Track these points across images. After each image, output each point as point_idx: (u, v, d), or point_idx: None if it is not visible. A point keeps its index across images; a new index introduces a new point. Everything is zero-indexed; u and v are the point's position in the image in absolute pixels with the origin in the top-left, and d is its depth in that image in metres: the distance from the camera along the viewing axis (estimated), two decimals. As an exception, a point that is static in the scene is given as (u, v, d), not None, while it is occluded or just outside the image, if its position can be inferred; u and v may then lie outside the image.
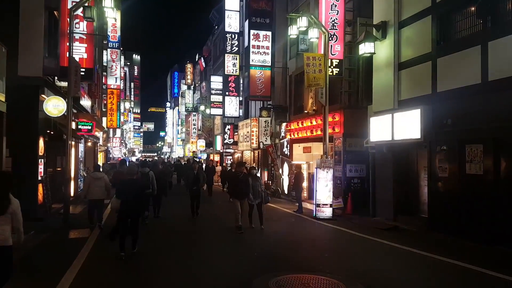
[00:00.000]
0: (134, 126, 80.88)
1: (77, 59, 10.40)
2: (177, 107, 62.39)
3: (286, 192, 15.74)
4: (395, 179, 9.68)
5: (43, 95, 10.12)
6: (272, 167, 17.49)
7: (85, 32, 11.09)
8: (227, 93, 23.74)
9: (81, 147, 15.99)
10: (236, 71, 23.53)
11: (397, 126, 9.14)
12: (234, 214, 8.96)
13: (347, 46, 12.00)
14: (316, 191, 10.63)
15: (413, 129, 8.61)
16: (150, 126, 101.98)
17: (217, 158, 32.04)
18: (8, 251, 3.72)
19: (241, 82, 23.96)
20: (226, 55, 23.43)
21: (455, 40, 8.32)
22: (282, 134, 16.43)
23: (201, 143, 35.83)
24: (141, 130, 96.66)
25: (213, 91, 28.72)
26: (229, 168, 18.40)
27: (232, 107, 23.89)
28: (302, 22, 11.14)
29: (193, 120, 41.87)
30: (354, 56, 12.04)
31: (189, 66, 46.52)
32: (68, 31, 10.01)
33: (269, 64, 17.51)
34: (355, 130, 11.73)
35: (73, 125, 15.30)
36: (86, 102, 15.88)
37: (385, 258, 6.78)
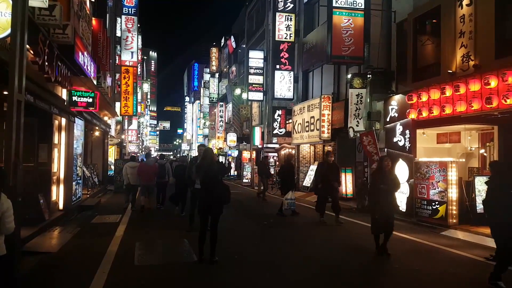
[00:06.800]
0: (150, 124, 76.69)
1: None
2: (197, 101, 56.97)
3: (403, 209, 9.58)
4: None
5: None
6: (366, 166, 11.44)
7: None
8: (277, 66, 17.80)
9: (76, 132, 10.27)
10: (290, 36, 17.59)
11: None
12: None
13: None
14: None
15: None
16: (166, 124, 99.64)
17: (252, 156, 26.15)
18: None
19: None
20: (277, 14, 17.50)
21: None
22: (392, 114, 10.37)
23: (232, 137, 29.81)
24: (158, 128, 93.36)
25: (251, 70, 22.83)
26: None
27: (284, 85, 17.94)
28: None
29: (220, 111, 36.05)
30: None
31: (214, 50, 40.80)
32: None
33: (362, 7, 11.45)
34: None
35: (64, 94, 9.59)
36: (86, 62, 10.16)
37: None
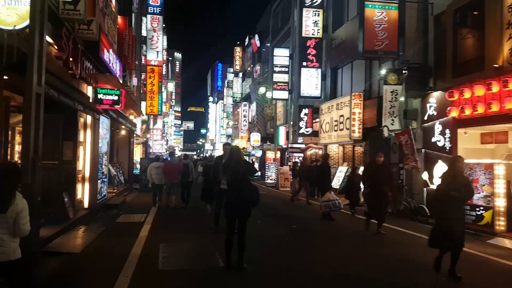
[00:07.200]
0: (175, 124, 77.64)
1: None
2: (221, 101, 57.08)
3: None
4: None
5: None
6: (402, 168, 10.78)
7: None
8: (304, 63, 17.30)
9: (102, 130, 10.16)
10: (318, 32, 17.05)
11: None
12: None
13: None
14: None
15: None
16: (190, 124, 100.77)
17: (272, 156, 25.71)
18: (12, 268, 2.84)
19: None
20: (304, 10, 17.01)
21: None
22: (430, 112, 9.70)
23: (255, 137, 29.46)
24: (182, 128, 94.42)
25: (276, 69, 22.43)
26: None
27: (311, 82, 17.40)
28: None
29: (244, 111, 35.79)
30: None
31: (238, 50, 40.62)
32: None
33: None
34: None
35: (89, 92, 9.50)
36: (112, 60, 10.05)
37: None
